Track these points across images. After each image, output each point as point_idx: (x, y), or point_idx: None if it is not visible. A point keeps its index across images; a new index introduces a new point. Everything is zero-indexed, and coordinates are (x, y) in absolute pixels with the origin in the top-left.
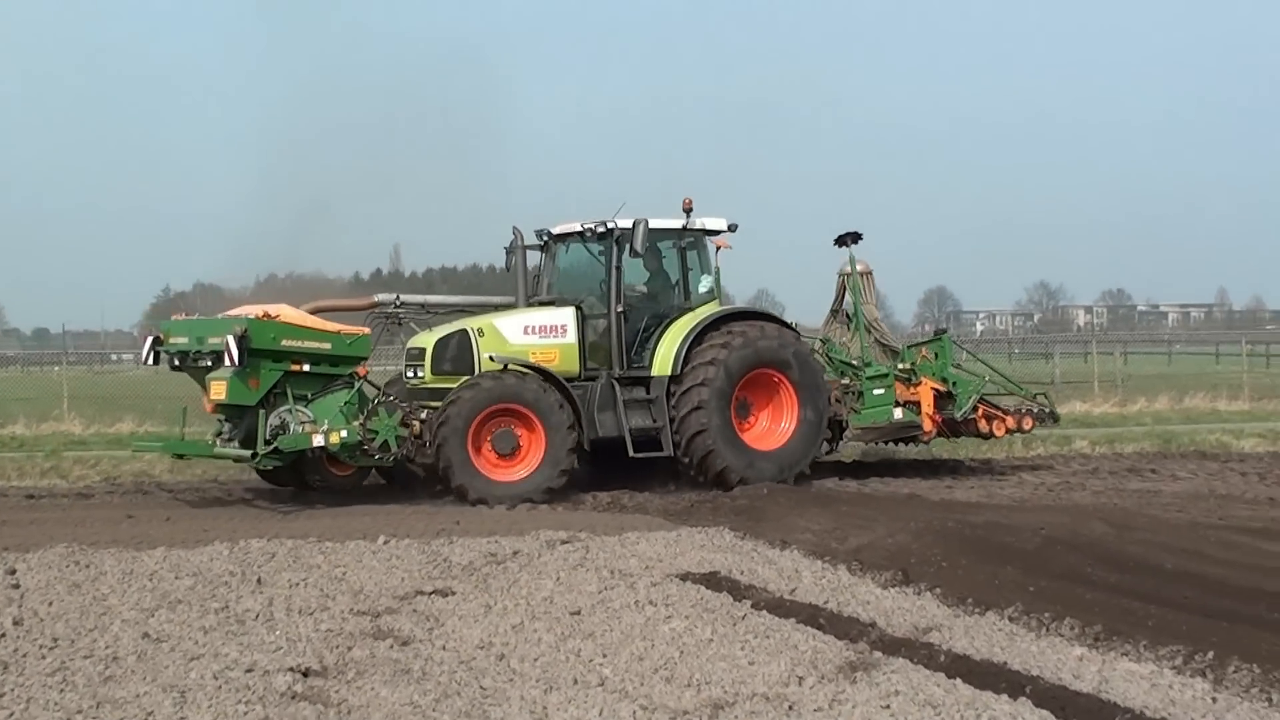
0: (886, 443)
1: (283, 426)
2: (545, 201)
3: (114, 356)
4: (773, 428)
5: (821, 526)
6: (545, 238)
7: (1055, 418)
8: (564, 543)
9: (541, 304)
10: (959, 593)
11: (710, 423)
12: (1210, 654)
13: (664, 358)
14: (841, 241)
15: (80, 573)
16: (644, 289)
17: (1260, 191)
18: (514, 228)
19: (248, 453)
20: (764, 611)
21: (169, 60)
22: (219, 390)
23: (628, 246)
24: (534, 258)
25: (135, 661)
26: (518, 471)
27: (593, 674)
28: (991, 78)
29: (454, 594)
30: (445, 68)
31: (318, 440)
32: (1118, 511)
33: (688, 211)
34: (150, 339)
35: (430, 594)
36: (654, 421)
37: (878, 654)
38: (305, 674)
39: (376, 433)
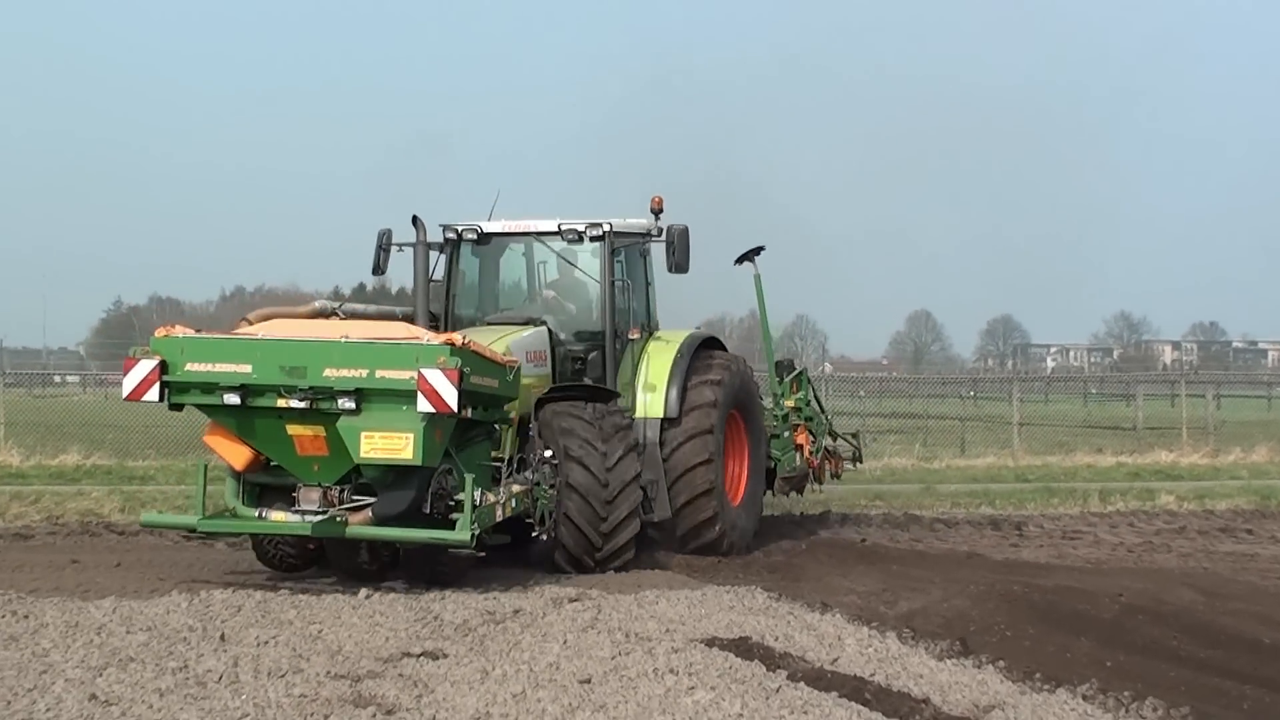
0: (788, 493)
1: (443, 493)
2: None
3: (57, 379)
4: (731, 477)
5: (868, 588)
6: (469, 236)
7: (858, 460)
8: (572, 601)
9: (508, 323)
10: (1025, 666)
11: (716, 480)
12: None
13: (653, 395)
14: (744, 259)
15: (18, 624)
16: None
17: None
18: (414, 217)
19: (463, 536)
20: (802, 684)
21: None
22: (395, 446)
23: (668, 257)
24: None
25: None
26: None
27: None
28: (1060, 79)
29: (446, 657)
30: None
31: (499, 513)
32: (1208, 577)
33: (657, 212)
34: (150, 365)
35: (419, 656)
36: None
37: None
38: None
39: (538, 500)
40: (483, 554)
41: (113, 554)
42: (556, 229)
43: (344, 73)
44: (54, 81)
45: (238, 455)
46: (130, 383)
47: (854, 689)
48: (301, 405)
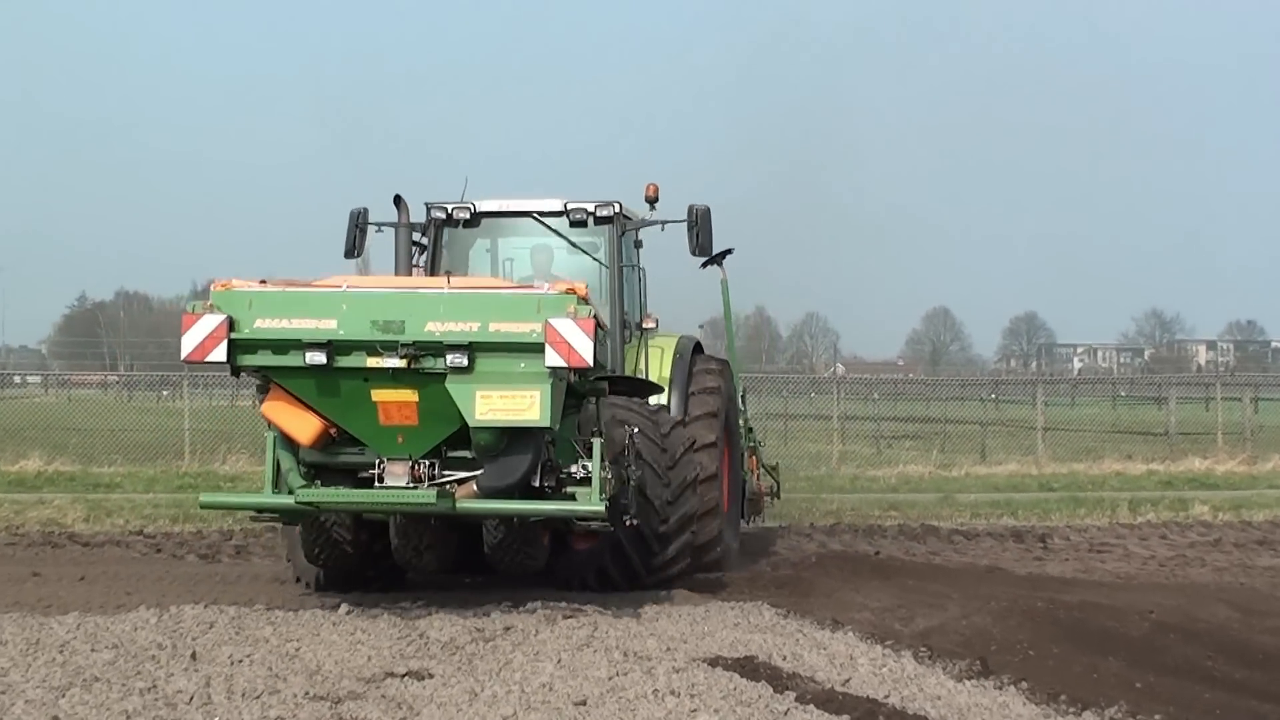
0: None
1: (551, 464)
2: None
3: (17, 379)
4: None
5: (882, 604)
6: (459, 216)
7: (777, 495)
8: (567, 617)
9: None
10: (1050, 688)
11: (720, 498)
12: None
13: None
14: (712, 262)
15: None
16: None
17: None
18: (396, 196)
19: (597, 506)
20: (811, 706)
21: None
22: (518, 406)
23: (690, 239)
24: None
25: None
26: None
27: None
28: (1087, 68)
29: (432, 677)
30: None
31: (606, 490)
32: (1245, 593)
33: (652, 201)
34: (217, 321)
35: (403, 676)
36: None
37: None
38: None
39: (629, 481)
40: (611, 528)
41: (76, 567)
42: (562, 209)
43: (329, 59)
44: (13, 68)
45: (305, 427)
46: (192, 341)
47: (867, 712)
48: (398, 364)
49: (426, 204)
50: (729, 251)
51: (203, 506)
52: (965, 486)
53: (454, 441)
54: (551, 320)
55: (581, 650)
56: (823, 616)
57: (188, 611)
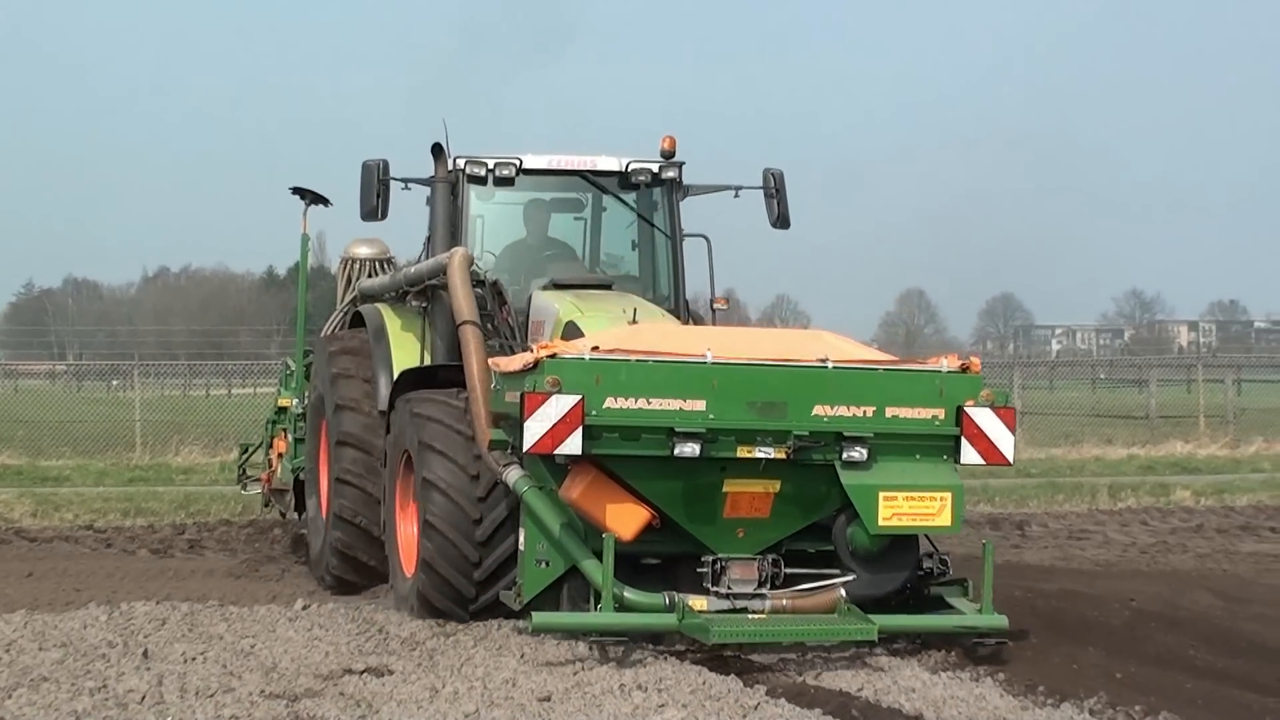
0: None
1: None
2: None
3: None
4: None
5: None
6: (502, 173)
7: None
8: None
9: (583, 285)
10: (1027, 679)
11: None
12: None
13: None
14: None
15: None
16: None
17: None
18: (435, 146)
19: (1000, 620)
20: (782, 700)
21: None
22: (927, 511)
23: (770, 207)
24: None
25: None
26: None
27: None
28: (1068, 38)
29: (392, 673)
30: None
31: None
32: (1228, 579)
33: (669, 155)
34: (571, 403)
35: (362, 673)
36: None
37: None
38: None
39: None
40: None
41: (23, 563)
42: (623, 168)
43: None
44: None
45: (631, 520)
46: (540, 427)
47: (839, 706)
48: (775, 456)
49: (462, 158)
50: None
51: (535, 631)
52: None
53: (797, 535)
54: (968, 409)
55: (545, 645)
56: None
57: (139, 608)
